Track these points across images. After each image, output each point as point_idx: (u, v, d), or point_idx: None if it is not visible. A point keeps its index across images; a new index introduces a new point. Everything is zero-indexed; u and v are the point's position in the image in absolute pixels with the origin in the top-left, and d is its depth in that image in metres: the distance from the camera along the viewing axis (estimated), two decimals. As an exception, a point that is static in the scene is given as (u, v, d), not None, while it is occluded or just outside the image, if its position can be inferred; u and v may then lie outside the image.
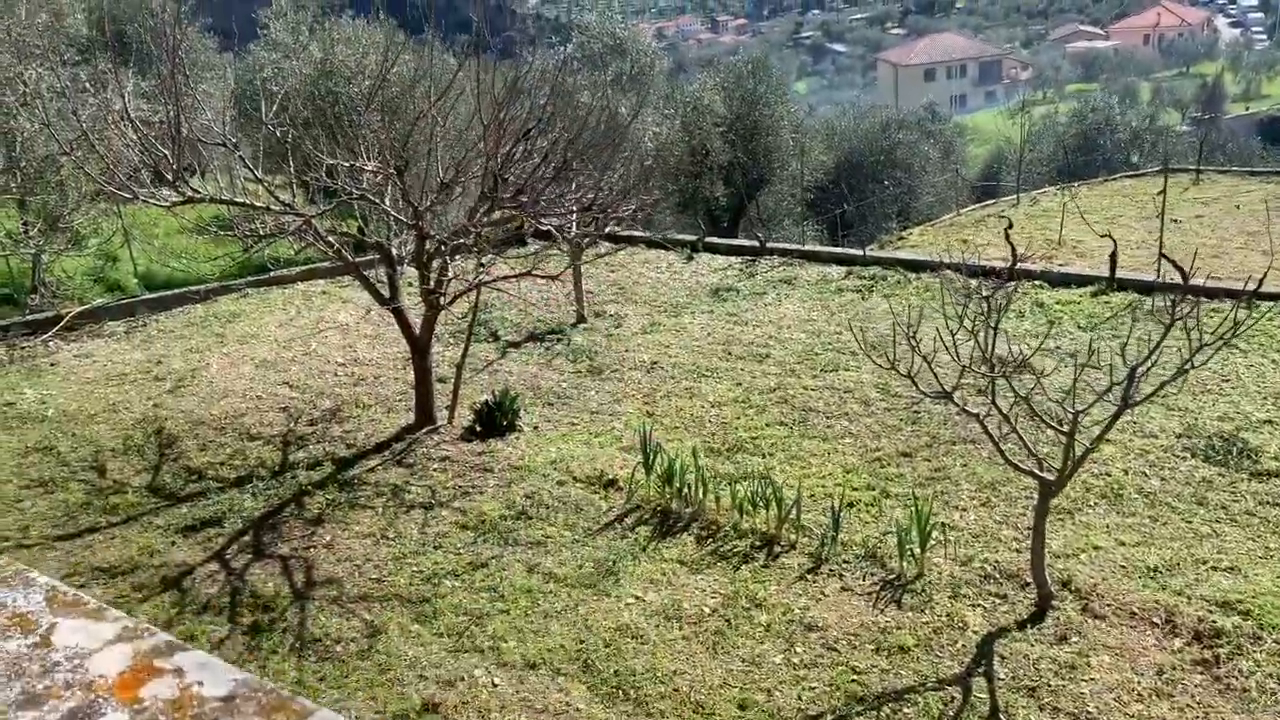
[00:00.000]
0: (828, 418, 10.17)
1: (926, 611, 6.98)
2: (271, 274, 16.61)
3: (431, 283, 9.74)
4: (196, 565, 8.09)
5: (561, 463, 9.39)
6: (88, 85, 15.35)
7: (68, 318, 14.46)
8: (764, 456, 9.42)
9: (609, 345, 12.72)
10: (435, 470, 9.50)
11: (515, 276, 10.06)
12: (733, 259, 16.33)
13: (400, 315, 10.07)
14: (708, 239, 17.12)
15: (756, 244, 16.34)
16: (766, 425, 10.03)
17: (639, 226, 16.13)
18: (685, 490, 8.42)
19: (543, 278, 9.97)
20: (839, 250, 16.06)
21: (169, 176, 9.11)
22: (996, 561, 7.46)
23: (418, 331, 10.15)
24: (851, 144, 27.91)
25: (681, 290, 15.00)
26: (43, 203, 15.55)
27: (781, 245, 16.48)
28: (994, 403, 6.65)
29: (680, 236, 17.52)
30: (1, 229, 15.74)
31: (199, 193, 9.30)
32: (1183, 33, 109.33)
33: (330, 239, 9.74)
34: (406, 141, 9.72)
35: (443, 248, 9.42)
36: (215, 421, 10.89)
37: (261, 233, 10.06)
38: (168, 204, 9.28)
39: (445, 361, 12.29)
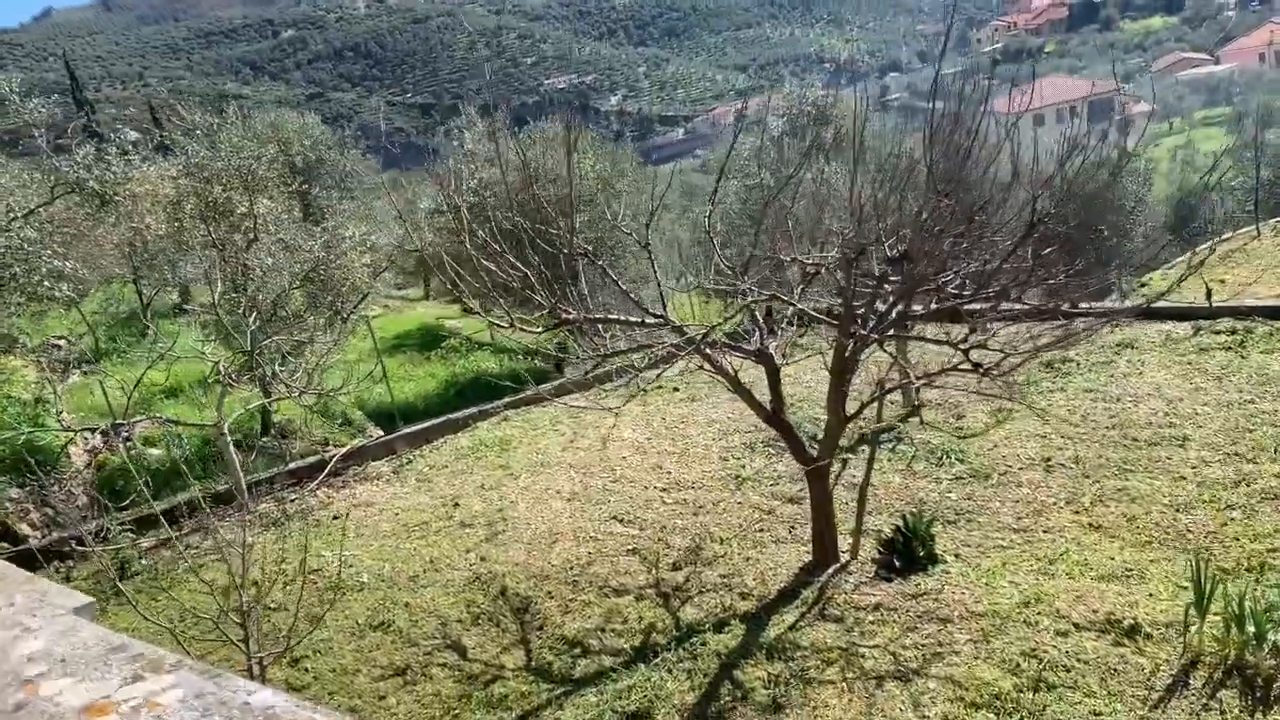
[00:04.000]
0: (1344, 515, 8.07)
1: None
2: (527, 393, 15.36)
3: (846, 389, 8.06)
4: (653, 778, 6.41)
5: (1041, 604, 7.47)
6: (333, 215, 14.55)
7: (333, 462, 13.29)
8: (1304, 575, 7.37)
9: (968, 442, 10.87)
10: (873, 624, 7.68)
11: (945, 371, 8.23)
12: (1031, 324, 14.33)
13: (791, 434, 8.41)
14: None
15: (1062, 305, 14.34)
16: (1276, 531, 7.98)
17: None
18: (1271, 637, 6.41)
19: (983, 374, 8.12)
20: (1165, 305, 13.94)
21: (539, 299, 7.75)
22: None
23: (815, 451, 8.46)
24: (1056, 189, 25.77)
25: (1001, 368, 13.08)
26: (273, 340, 14.56)
27: (1097, 305, 14.46)
28: None
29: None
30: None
31: (569, 313, 7.88)
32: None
33: (709, 352, 8.16)
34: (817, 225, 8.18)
35: (871, 344, 7.74)
36: (560, 574, 9.34)
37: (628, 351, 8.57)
38: (540, 329, 7.91)
39: (762, 477, 10.67)
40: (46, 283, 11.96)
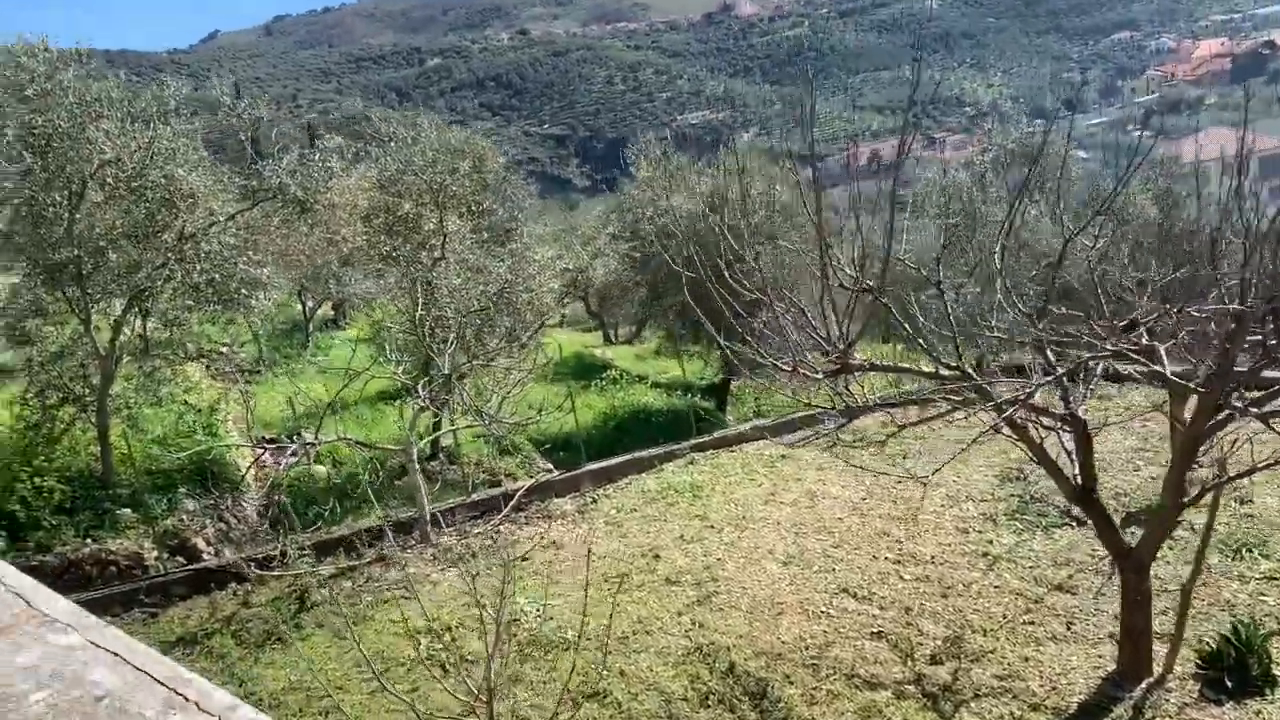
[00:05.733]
0: None
1: None
2: (715, 435, 14.33)
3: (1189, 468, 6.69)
4: None
5: None
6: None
7: (516, 496, 12.47)
8: None
9: (1267, 534, 9.28)
10: (1215, 760, 6.27)
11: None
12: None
13: (1104, 515, 7.06)
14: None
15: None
16: None
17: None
18: None
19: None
20: None
21: (818, 340, 6.66)
22: None
23: (1132, 541, 7.10)
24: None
25: None
26: (470, 364, 13.79)
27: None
28: None
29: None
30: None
31: (855, 358, 6.77)
32: None
33: (1017, 412, 6.89)
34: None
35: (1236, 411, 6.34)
36: (795, 654, 8.17)
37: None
38: (819, 375, 6.80)
39: (1016, 557, 9.28)
40: (244, 290, 11.50)
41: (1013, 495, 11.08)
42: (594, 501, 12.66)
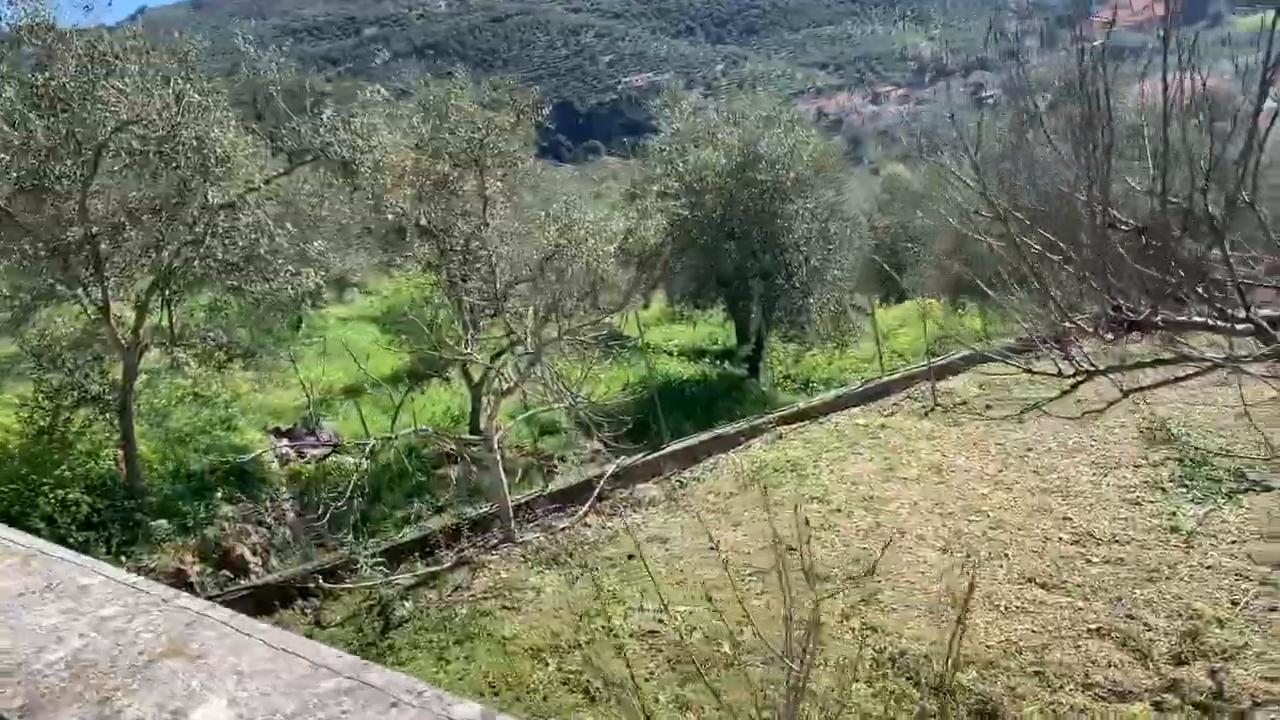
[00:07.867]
0: None
1: None
2: (799, 408, 13.16)
3: None
4: None
5: None
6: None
7: (600, 484, 11.22)
8: None
9: None
10: None
11: None
12: None
13: None
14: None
15: None
16: None
17: None
18: None
19: None
20: None
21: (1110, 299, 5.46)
22: None
23: None
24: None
25: None
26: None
27: None
28: None
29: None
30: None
31: (1134, 310, 5.58)
32: None
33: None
34: None
35: None
36: (1010, 661, 7.04)
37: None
38: (1093, 332, 5.60)
39: (1213, 531, 8.27)
40: (290, 267, 10.03)
41: (1168, 459, 10.07)
42: (683, 485, 11.45)
